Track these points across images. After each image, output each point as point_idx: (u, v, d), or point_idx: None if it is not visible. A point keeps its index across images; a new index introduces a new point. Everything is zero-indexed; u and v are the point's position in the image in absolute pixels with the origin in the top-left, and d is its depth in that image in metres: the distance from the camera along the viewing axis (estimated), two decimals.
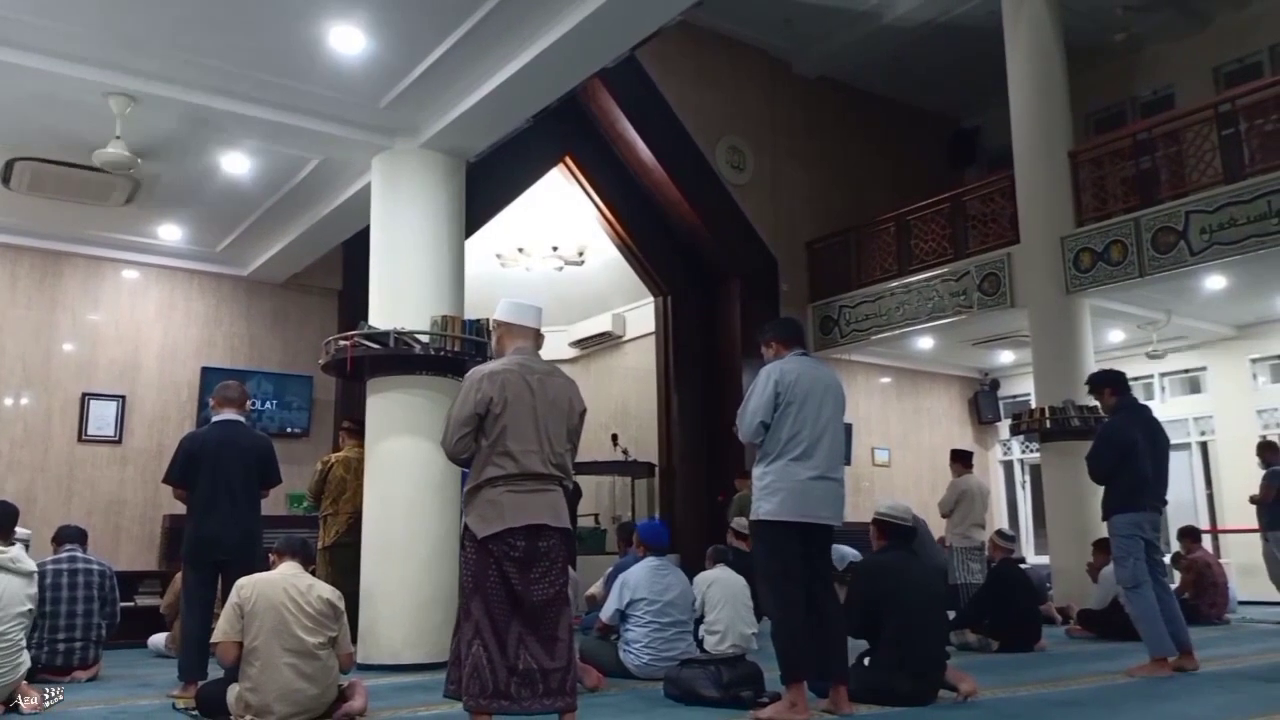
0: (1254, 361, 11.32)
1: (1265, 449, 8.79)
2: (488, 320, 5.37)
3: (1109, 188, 9.93)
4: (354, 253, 8.61)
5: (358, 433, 6.82)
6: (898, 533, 4.78)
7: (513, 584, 3.36)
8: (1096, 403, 6.16)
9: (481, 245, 10.76)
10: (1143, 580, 5.35)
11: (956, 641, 6.44)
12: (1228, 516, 10.91)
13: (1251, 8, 11.20)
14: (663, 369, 11.58)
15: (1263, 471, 8.61)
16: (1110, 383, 5.78)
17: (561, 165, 10.86)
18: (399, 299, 6.53)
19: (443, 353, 6.28)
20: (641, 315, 12.28)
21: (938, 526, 8.92)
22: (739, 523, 6.99)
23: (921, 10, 11.59)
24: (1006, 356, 12.75)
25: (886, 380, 12.91)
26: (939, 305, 11.00)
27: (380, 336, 6.25)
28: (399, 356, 6.25)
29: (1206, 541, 10.04)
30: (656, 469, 11.38)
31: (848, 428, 11.43)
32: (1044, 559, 10.03)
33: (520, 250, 12.19)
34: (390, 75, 6.01)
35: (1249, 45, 11.39)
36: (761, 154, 12.00)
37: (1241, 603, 9.53)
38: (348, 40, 5.59)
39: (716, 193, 11.35)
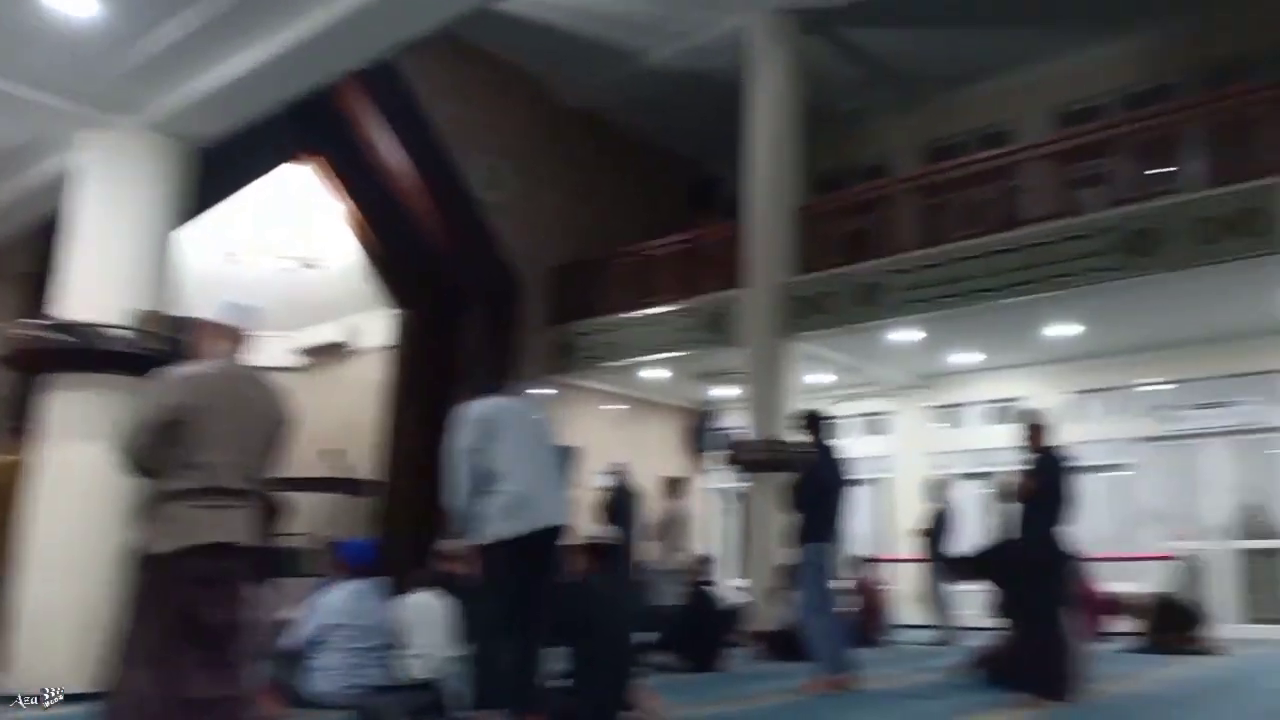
0: (931, 409, 12.73)
1: (933, 486, 9.95)
2: (191, 319, 5.02)
3: (828, 243, 10.84)
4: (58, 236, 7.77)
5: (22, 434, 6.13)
6: (597, 553, 4.95)
7: (191, 606, 3.16)
8: (800, 437, 6.67)
9: (209, 240, 10.06)
10: (820, 604, 5.87)
11: (652, 662, 6.73)
12: (898, 546, 12.09)
13: (960, 94, 12.66)
14: (394, 385, 11.27)
15: (930, 507, 9.71)
16: (814, 421, 6.32)
17: (305, 163, 10.38)
18: (95, 288, 6.00)
19: (141, 350, 5.81)
20: (377, 327, 11.90)
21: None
22: (445, 545, 6.92)
23: (679, 59, 12.17)
24: (725, 392, 13.52)
25: (615, 408, 13.32)
26: (668, 340, 11.53)
27: (68, 328, 5.69)
28: (87, 351, 5.71)
29: (877, 569, 11.07)
30: (379, 488, 11.04)
31: (572, 451, 11.69)
32: (741, 583, 10.65)
33: (252, 248, 11.49)
34: (118, 46, 5.53)
35: (956, 126, 12.83)
36: (519, 175, 12.14)
37: (898, 626, 10.54)
38: (75, 2, 5.08)
39: (468, 209, 11.26)
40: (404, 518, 10.77)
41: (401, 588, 5.66)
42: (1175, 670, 7.03)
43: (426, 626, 4.89)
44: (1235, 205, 8.06)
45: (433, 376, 11.19)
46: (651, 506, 9.20)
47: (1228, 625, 9.88)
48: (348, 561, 5.34)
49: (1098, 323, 10.04)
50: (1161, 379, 11.10)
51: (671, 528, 8.66)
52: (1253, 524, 10.27)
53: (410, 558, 9.88)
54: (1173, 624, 8.58)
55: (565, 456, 4.53)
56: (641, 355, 11.75)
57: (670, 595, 8.21)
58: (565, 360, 12.22)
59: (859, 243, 10.68)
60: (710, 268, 11.56)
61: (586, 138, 13.21)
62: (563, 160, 12.83)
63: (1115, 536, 10.95)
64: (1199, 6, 10.79)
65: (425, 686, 4.50)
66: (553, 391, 12.22)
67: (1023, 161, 9.76)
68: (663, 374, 12.51)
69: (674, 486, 9.06)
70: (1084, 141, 9.71)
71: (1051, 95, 12.01)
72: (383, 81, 9.44)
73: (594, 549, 5.01)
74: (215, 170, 8.56)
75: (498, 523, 4.15)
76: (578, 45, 11.88)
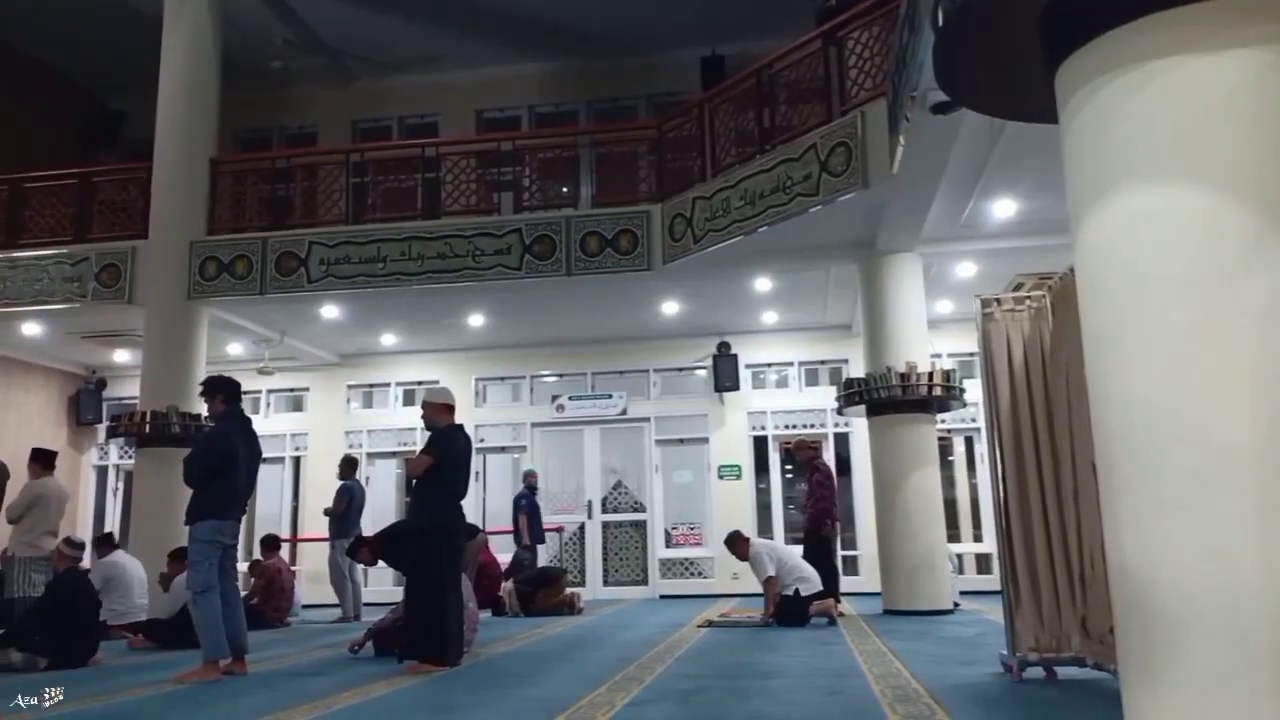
0: (350, 388, 12.70)
1: (345, 464, 9.89)
2: None
3: (246, 204, 10.24)
4: None
5: None
6: None
7: None
8: (206, 406, 6.16)
9: None
10: (213, 585, 5.44)
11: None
12: (307, 525, 11.90)
13: (388, 80, 12.75)
14: None
15: (338, 485, 9.65)
16: (225, 389, 5.84)
17: None
18: None
19: None
20: None
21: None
22: None
23: None
24: (121, 356, 12.04)
25: None
26: (49, 289, 9.94)
27: None
28: None
29: (286, 549, 10.77)
30: None
31: None
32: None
33: None
34: None
35: (384, 109, 12.95)
36: None
37: (305, 606, 10.42)
38: None
39: None
40: None
41: None
42: (550, 629, 7.88)
43: None
44: (614, 225, 9.34)
45: None
46: (16, 484, 7.75)
47: (595, 587, 11.46)
48: None
49: (503, 316, 10.90)
50: (553, 371, 12.42)
51: (36, 508, 7.36)
52: (617, 501, 11.97)
53: None
54: (549, 588, 9.60)
55: None
56: (11, 305, 9.96)
57: (29, 585, 7.00)
58: None
59: (279, 208, 10.29)
60: (106, 212, 10.28)
61: None
62: None
63: (508, 511, 12.01)
64: (588, 49, 12.13)
65: None
66: None
67: (446, 155, 10.15)
68: (40, 329, 10.70)
69: (40, 460, 7.72)
70: (499, 147, 10.46)
71: (473, 99, 12.69)
72: None
73: None
74: None
75: None
76: None
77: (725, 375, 11.58)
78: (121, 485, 12.55)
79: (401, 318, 11.05)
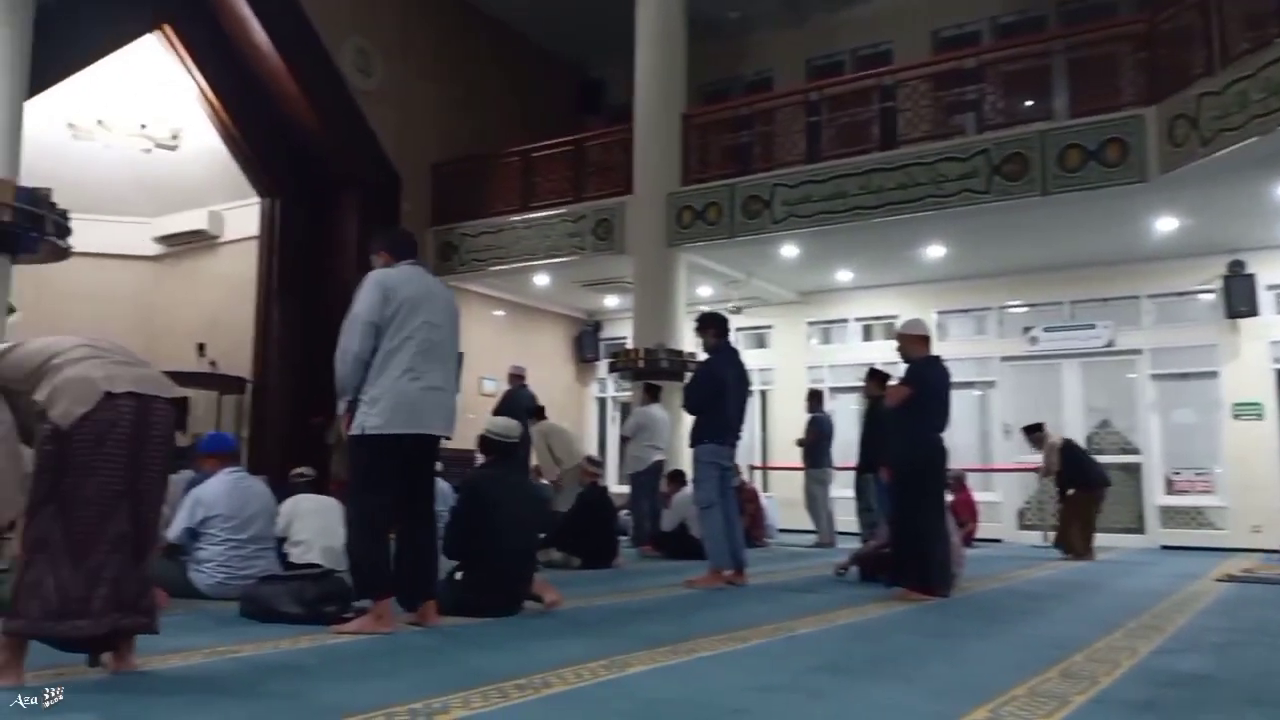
0: (810, 324, 13.00)
1: (812, 398, 10.18)
2: (46, 191, 4.55)
3: (712, 153, 10.81)
4: None
5: None
6: (499, 449, 4.84)
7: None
8: (692, 344, 6.70)
9: (50, 109, 9.18)
10: (715, 502, 5.95)
11: (542, 559, 6.76)
12: (776, 455, 12.47)
13: (839, 14, 12.68)
14: (264, 277, 10.75)
15: (808, 417, 9.96)
16: (716, 324, 6.34)
17: (158, 33, 9.56)
18: None
19: None
20: (243, 216, 11.25)
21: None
22: None
23: None
24: (611, 300, 13.44)
25: (500, 313, 13.09)
26: (556, 244, 11.33)
27: None
28: None
29: (757, 476, 11.38)
30: (249, 384, 10.57)
31: (460, 356, 11.43)
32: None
33: (100, 123, 10.59)
34: None
35: (836, 44, 12.91)
36: (392, 62, 11.49)
37: (781, 530, 10.96)
38: None
39: (339, 94, 10.68)
40: (276, 414, 10.41)
41: (275, 484, 5.41)
42: (1038, 571, 7.47)
43: (312, 513, 4.68)
44: (1096, 136, 8.40)
45: (304, 269, 10.73)
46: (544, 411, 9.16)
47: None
48: (211, 452, 5.02)
49: (964, 245, 10.38)
50: (1023, 301, 11.61)
51: (645, 429, 8.78)
52: (1103, 441, 10.91)
53: (285, 455, 9.60)
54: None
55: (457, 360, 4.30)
56: (527, 259, 11.54)
57: (560, 498, 8.24)
58: (448, 261, 11.89)
59: (742, 155, 10.69)
60: (597, 173, 11.41)
61: (466, 29, 12.69)
62: (442, 51, 12.27)
63: (977, 449, 11.56)
64: None
65: (320, 576, 4.27)
66: None
67: (901, 83, 9.82)
68: (549, 280, 12.32)
69: (648, 391, 9.05)
70: (958, 66, 9.88)
71: (927, 20, 12.14)
72: None
73: (489, 442, 4.86)
74: (69, 38, 7.78)
75: (379, 417, 3.84)
76: None
77: (1239, 299, 9.96)
78: (618, 414, 14.11)
79: (857, 253, 10.99)
